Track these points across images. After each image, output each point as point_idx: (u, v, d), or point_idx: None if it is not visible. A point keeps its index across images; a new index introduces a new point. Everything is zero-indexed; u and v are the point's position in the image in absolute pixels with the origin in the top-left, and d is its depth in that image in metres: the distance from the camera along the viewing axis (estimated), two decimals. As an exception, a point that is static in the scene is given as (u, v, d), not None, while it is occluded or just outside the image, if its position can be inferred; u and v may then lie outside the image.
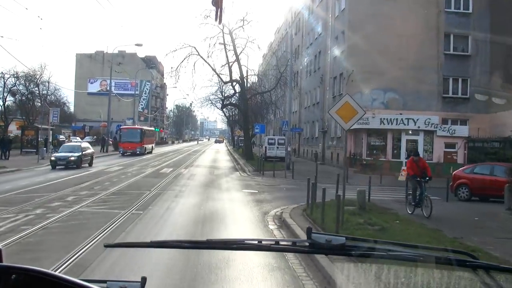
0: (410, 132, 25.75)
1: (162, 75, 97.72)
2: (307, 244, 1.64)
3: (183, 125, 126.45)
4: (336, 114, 9.39)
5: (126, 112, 77.23)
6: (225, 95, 39.50)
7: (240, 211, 12.09)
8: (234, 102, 40.13)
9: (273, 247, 1.80)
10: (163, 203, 12.60)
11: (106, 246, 1.99)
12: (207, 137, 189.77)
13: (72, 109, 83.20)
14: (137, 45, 43.67)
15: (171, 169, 25.60)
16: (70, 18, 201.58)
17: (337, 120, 9.56)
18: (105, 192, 14.35)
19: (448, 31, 28.60)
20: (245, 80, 36.47)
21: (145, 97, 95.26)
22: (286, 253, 5.81)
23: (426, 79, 27.96)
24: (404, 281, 2.25)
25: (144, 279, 1.46)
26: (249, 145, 38.03)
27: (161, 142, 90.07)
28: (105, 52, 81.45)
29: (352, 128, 28.33)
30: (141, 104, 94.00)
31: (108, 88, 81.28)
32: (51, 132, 33.50)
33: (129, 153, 37.91)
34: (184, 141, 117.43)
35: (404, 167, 24.14)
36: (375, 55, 27.71)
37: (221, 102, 40.65)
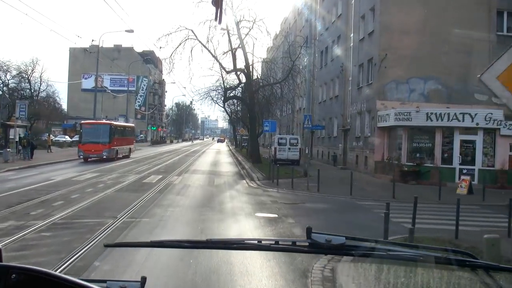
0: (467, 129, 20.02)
1: (161, 71, 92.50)
2: (307, 244, 1.61)
3: (183, 123, 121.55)
4: (499, 81, 4.02)
5: (122, 109, 72.32)
6: (228, 86, 33.99)
7: (258, 270, 6.63)
8: (238, 95, 34.68)
9: (272, 247, 1.75)
10: (125, 251, 7.27)
11: (106, 245, 2.07)
12: (208, 136, 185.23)
13: (65, 106, 78.48)
14: (127, 31, 38.11)
15: (160, 176, 20.27)
16: (59, 7, 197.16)
17: (498, 94, 4.23)
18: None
19: (502, 7, 23.39)
20: (251, 69, 31.02)
21: (142, 94, 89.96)
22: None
23: (475, 65, 22.65)
24: (404, 281, 2.16)
25: (144, 279, 1.42)
26: (256, 146, 32.58)
27: (160, 141, 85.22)
28: (100, 46, 76.44)
29: (386, 125, 23.26)
30: (138, 101, 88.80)
31: (103, 84, 76.43)
32: (17, 129, 28.20)
33: (95, 158, 28.71)
34: (184, 140, 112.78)
35: (464, 177, 18.70)
36: (413, 37, 22.72)
37: (222, 95, 35.23)
